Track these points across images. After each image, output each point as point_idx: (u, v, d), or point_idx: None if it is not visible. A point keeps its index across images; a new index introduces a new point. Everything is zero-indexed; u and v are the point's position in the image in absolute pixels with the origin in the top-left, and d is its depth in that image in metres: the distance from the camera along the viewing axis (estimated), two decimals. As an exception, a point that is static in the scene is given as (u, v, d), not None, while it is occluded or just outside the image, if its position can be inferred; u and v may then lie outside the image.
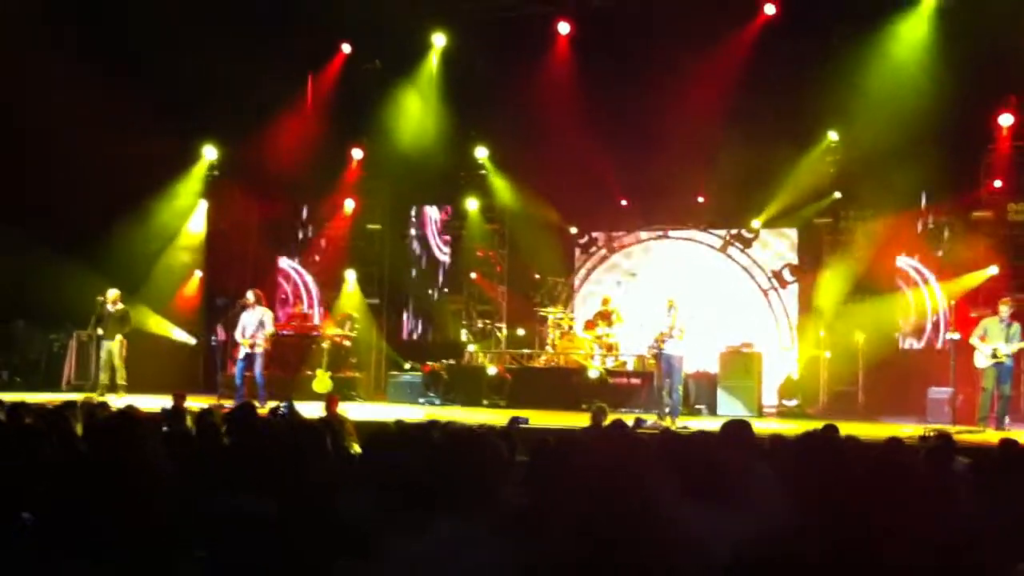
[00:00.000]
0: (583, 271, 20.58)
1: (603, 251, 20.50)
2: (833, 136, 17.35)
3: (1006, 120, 16.04)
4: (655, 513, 3.35)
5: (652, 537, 3.27)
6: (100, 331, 16.15)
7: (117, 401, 13.29)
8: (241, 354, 15.53)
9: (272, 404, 11.95)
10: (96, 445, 3.41)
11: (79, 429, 5.91)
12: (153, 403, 11.64)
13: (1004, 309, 13.89)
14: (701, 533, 3.50)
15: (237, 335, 15.62)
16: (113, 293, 16.27)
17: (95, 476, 3.36)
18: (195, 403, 10.91)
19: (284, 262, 21.12)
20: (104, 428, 3.58)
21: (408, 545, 3.39)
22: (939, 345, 16.84)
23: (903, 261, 17.54)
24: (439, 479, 3.56)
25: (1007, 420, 13.66)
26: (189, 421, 7.84)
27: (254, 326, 15.48)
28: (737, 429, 5.59)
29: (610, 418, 10.29)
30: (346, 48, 19.34)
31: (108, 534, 3.19)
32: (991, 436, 12.13)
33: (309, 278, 21.04)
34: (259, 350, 15.44)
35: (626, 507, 3.30)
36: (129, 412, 3.93)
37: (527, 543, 3.39)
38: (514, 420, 10.40)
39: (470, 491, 3.50)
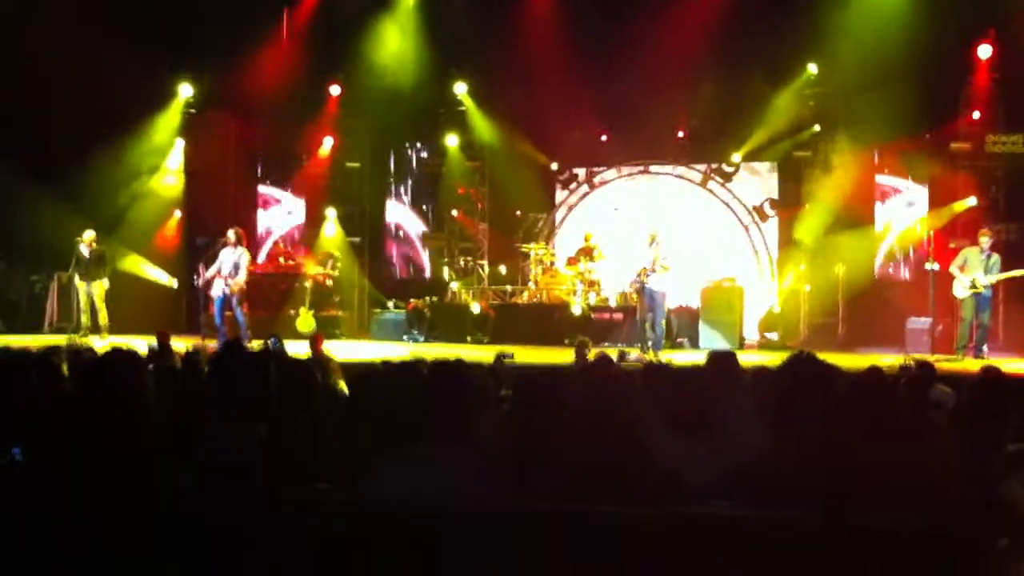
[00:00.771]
0: (564, 207, 20.58)
1: (584, 187, 20.49)
2: (813, 69, 17.31)
3: (985, 52, 16.04)
4: (640, 442, 3.41)
5: (637, 466, 3.33)
6: (78, 275, 16.07)
7: (100, 343, 13.28)
8: (215, 292, 15.43)
9: (257, 343, 11.95)
10: (89, 378, 3.43)
11: (65, 369, 5.92)
12: (136, 344, 11.62)
13: (984, 240, 13.98)
14: (685, 462, 3.56)
15: (211, 271, 15.47)
16: (89, 235, 16.15)
17: (87, 407, 3.39)
18: (178, 343, 10.91)
19: (265, 188, 20.94)
20: (99, 361, 3.60)
21: (394, 472, 3.44)
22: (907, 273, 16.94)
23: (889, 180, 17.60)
24: (425, 409, 3.60)
25: (985, 349, 13.82)
26: (174, 360, 7.86)
27: (230, 266, 15.39)
28: (723, 359, 5.70)
29: (593, 353, 10.36)
30: (323, -20, 19.08)
31: (97, 464, 3.23)
32: (969, 365, 12.28)
33: (288, 214, 20.91)
34: (236, 290, 15.33)
35: (612, 436, 3.35)
36: (122, 346, 3.95)
37: (512, 471, 3.45)
38: (500, 356, 10.42)
39: (456, 419, 3.54)
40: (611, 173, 20.25)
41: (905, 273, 17.59)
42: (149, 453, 3.31)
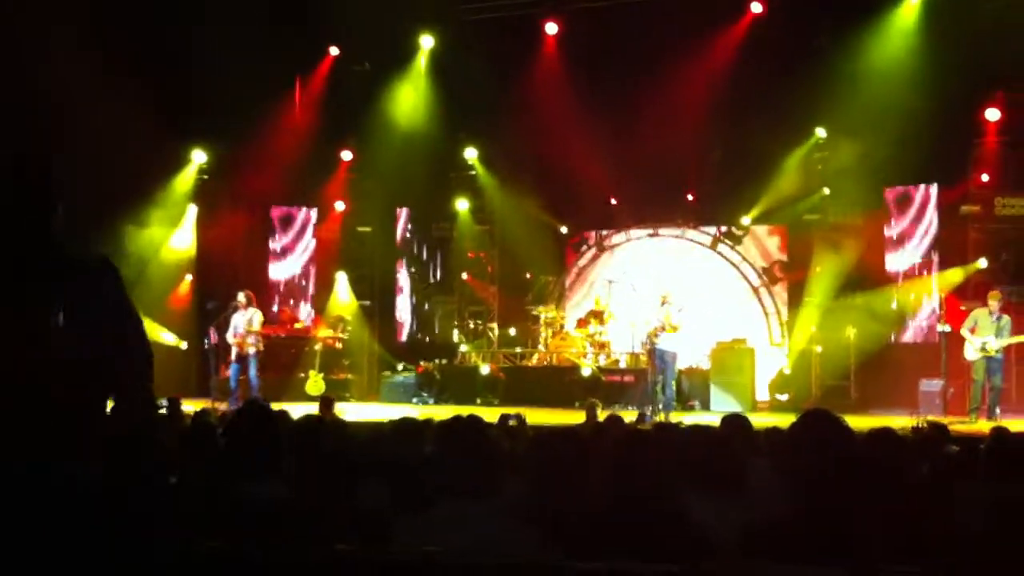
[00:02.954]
0: (574, 270, 20.63)
1: (594, 250, 20.56)
2: (821, 133, 17.43)
3: (993, 115, 16.13)
4: (662, 498, 3.40)
5: (661, 521, 3.32)
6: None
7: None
8: (234, 356, 15.55)
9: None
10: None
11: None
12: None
13: (993, 303, 13.97)
14: (706, 518, 3.56)
15: (228, 337, 15.62)
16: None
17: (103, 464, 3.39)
18: (188, 407, 10.91)
19: (274, 263, 20.96)
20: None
21: (413, 526, 3.44)
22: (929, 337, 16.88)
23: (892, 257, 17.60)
24: (440, 465, 3.61)
25: (998, 411, 13.74)
26: (184, 422, 7.87)
27: (244, 327, 15.50)
28: (736, 421, 5.87)
29: (603, 415, 10.33)
30: (334, 50, 19.34)
31: (119, 528, 3.22)
32: (982, 426, 12.20)
33: (299, 277, 20.94)
34: (251, 351, 15.46)
35: (633, 492, 3.35)
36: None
37: (536, 527, 3.44)
38: (504, 417, 10.24)
39: (479, 475, 3.54)
40: (621, 236, 20.33)
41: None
42: (169, 513, 3.31)
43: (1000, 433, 6.11)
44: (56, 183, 2.96)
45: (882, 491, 3.50)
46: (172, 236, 19.67)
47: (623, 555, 2.99)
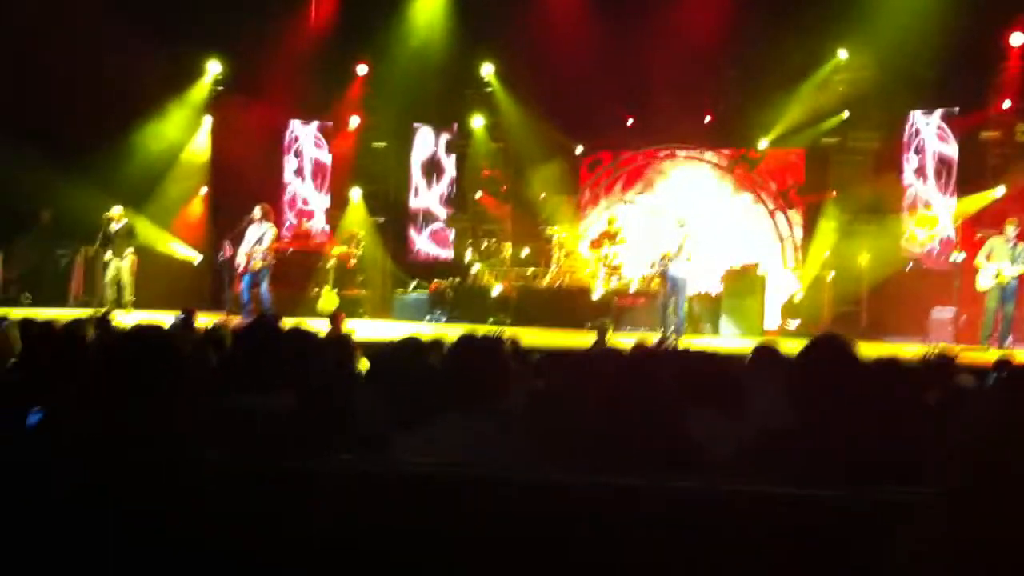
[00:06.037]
0: (588, 190, 20.51)
1: (609, 170, 20.42)
2: (842, 55, 17.18)
3: (1017, 39, 15.88)
4: (660, 411, 3.42)
5: (657, 433, 3.35)
6: (107, 249, 16.19)
7: (125, 317, 13.36)
8: (240, 269, 15.60)
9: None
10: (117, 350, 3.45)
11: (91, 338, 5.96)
12: (161, 319, 11.70)
13: (1010, 229, 13.88)
14: (704, 432, 3.58)
15: (240, 250, 15.66)
16: (117, 210, 16.29)
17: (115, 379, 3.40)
18: (203, 319, 10.98)
19: (289, 177, 20.88)
20: (128, 334, 3.61)
21: (416, 436, 3.48)
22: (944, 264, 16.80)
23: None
24: (448, 378, 3.63)
25: (1009, 339, 13.73)
26: (198, 335, 7.92)
27: (254, 241, 15.50)
28: (767, 352, 5.79)
29: (613, 337, 10.40)
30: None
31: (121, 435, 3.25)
32: (993, 355, 12.18)
33: (313, 193, 20.87)
34: (257, 266, 15.46)
35: (632, 404, 3.37)
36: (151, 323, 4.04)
37: (535, 437, 3.48)
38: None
39: (478, 387, 3.56)
40: (636, 157, 20.17)
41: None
42: (177, 426, 3.33)
43: (1002, 363, 6.13)
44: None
45: (885, 415, 3.51)
46: (188, 146, 19.63)
47: (623, 468, 3.02)
